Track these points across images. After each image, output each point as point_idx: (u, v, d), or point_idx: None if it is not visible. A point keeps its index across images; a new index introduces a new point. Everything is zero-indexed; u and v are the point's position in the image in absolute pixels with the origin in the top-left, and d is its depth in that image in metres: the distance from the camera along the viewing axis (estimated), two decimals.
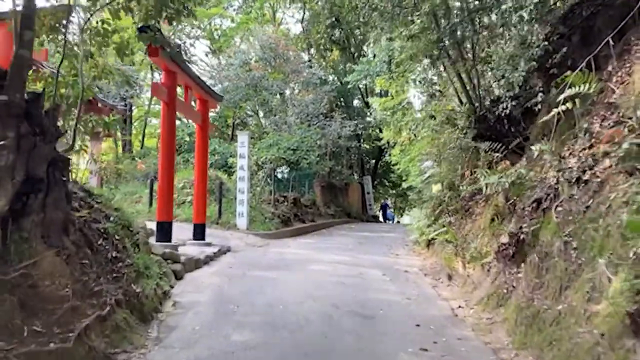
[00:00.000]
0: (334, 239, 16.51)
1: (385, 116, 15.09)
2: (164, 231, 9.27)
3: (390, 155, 35.60)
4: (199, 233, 11.67)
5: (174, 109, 9.57)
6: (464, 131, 9.93)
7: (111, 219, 6.20)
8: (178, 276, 8.33)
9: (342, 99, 29.79)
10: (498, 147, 8.46)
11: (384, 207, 33.00)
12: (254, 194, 17.54)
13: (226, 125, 26.20)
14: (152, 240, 9.64)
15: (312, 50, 31.87)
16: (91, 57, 7.26)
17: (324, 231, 19.70)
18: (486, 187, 7.47)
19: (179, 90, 10.64)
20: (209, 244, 11.62)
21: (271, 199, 18.40)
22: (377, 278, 9.11)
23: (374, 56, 14.69)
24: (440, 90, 11.41)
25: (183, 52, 28.46)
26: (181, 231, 12.57)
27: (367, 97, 34.04)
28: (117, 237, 6.06)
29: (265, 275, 8.92)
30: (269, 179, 18.59)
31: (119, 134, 27.91)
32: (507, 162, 8.79)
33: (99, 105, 11.50)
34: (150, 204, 15.75)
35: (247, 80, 19.93)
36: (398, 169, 18.47)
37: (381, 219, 36.01)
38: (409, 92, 12.90)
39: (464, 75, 10.00)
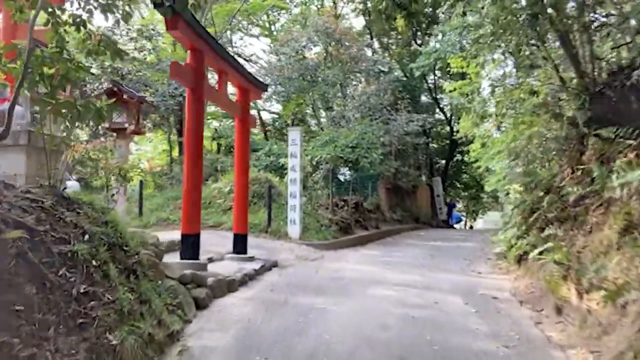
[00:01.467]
0: (401, 250, 14.48)
1: (462, 103, 12.92)
2: (189, 246, 7.67)
3: (463, 153, 33.25)
4: (239, 245, 10.04)
5: (200, 97, 7.95)
6: (571, 115, 7.71)
7: (87, 237, 4.55)
8: (201, 305, 6.67)
9: (407, 94, 27.65)
10: (628, 133, 6.24)
11: (449, 207, 30.12)
12: (309, 197, 15.81)
13: (286, 126, 24.70)
14: (175, 257, 8.08)
15: (375, 45, 29.88)
16: (83, 26, 5.77)
17: (389, 239, 17.68)
18: (621, 189, 5.31)
19: (210, 76, 9.02)
20: (250, 259, 9.95)
21: (329, 203, 16.62)
22: (458, 309, 7.08)
23: (443, 35, 12.75)
24: (536, 65, 9.18)
25: (234, 49, 27.29)
26: (224, 242, 11.00)
27: (435, 93, 31.73)
28: (94, 264, 4.41)
29: (312, 303, 7.11)
30: (326, 181, 16.82)
31: (173, 136, 27.15)
32: (634, 154, 6.54)
33: (125, 96, 10.11)
34: None
35: (301, 71, 18.23)
36: (477, 167, 16.14)
37: (448, 220, 32.99)
38: (494, 69, 10.76)
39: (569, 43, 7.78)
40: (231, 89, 11.05)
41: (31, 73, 5.31)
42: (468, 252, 14.25)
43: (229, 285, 7.74)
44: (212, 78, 12.71)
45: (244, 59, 26.39)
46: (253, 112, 30.53)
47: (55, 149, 5.79)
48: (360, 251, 13.83)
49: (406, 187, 24.46)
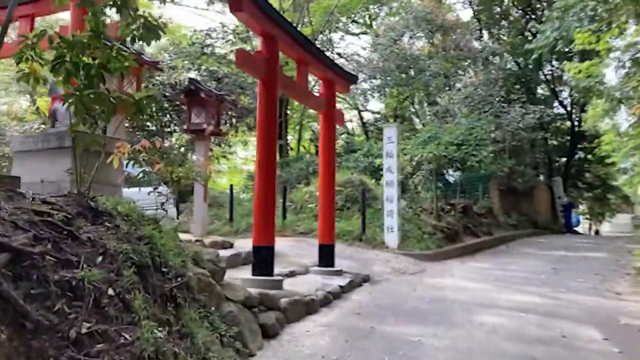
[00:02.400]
0: (516, 261, 12.67)
1: (591, 85, 10.93)
2: (260, 260, 6.72)
3: (586, 150, 29.91)
4: (325, 257, 8.99)
5: (273, 89, 6.99)
6: None
7: (100, 258, 3.67)
8: (270, 332, 5.65)
9: (521, 87, 25.18)
10: None
11: (568, 208, 26.56)
12: (409, 201, 14.44)
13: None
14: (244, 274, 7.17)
15: (485, 36, 27.62)
16: (123, 6, 5.01)
17: (503, 248, 15.80)
18: None
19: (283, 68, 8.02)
20: (338, 273, 8.85)
21: (433, 207, 15.13)
22: (595, 348, 5.48)
23: (564, 12, 10.81)
24: None
25: (335, 50, 26.37)
26: (313, 252, 10.01)
27: (553, 85, 28.84)
28: (109, 293, 3.51)
29: (404, 333, 5.85)
30: (428, 183, 15.35)
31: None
32: None
33: (203, 95, 9.43)
34: (284, 216, 13.53)
35: (400, 62, 16.83)
36: (609, 163, 13.86)
37: (567, 222, 29.33)
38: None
39: None
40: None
41: (65, 63, 4.58)
42: (599, 264, 12.16)
43: (308, 307, 6.68)
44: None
45: (345, 59, 25.43)
46: (351, 111, 29.81)
47: (97, 149, 5.03)
48: (468, 263, 12.24)
49: (522, 188, 22.13)
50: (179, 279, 4.49)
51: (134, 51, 7.65)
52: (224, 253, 8.08)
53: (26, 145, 5.96)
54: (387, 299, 7.71)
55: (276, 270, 8.19)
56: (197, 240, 8.54)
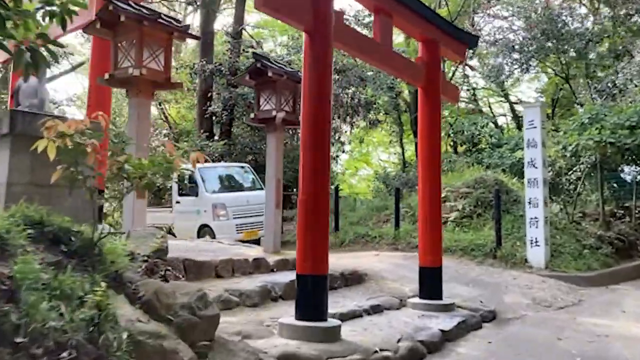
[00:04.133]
0: None
1: None
2: (306, 297, 4.62)
3: None
4: (428, 285, 6.57)
5: (325, 44, 4.85)
6: None
7: None
8: None
9: None
10: None
11: None
12: (567, 204, 11.27)
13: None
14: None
15: None
16: None
17: None
18: None
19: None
20: (446, 307, 6.39)
21: (598, 213, 11.78)
22: None
23: None
24: None
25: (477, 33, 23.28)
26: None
27: None
28: None
29: None
30: (591, 181, 11.99)
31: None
32: None
33: (271, 74, 7.56)
34: (397, 224, 11.22)
35: (544, 25, 13.45)
36: None
37: None
38: None
39: None
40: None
41: None
42: None
43: None
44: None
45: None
46: (495, 98, 26.17)
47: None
48: None
49: None
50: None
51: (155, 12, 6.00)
52: (279, 279, 6.10)
53: None
54: (513, 357, 5.13)
55: (354, 303, 6.10)
56: (255, 260, 6.68)
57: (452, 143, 22.74)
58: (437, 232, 6.72)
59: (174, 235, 13.12)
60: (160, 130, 22.37)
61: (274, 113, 7.64)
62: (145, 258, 3.95)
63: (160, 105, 23.90)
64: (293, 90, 8.01)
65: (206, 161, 14.92)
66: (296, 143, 17.68)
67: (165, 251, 4.22)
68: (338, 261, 8.78)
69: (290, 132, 17.53)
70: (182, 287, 3.60)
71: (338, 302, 6.07)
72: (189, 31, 6.77)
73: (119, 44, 5.98)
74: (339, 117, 17.15)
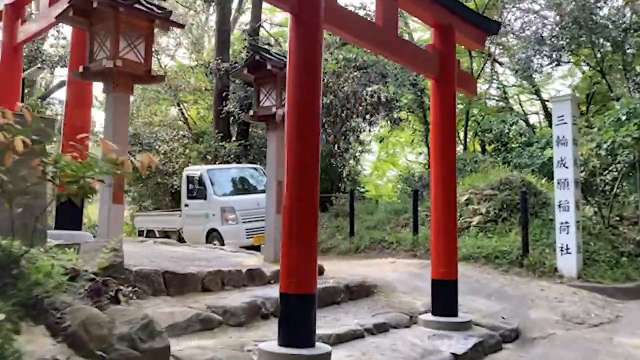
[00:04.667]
0: None
1: None
2: (288, 317, 4.00)
3: None
4: (442, 300, 5.86)
5: (314, 27, 4.23)
6: None
7: None
8: None
9: None
10: None
11: None
12: (602, 207, 10.39)
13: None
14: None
15: None
16: None
17: None
18: None
19: None
20: (461, 326, 5.68)
21: (638, 216, 10.85)
22: None
23: None
24: None
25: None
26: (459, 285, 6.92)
27: None
28: None
29: None
30: (630, 181, 11.07)
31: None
32: None
33: (270, 67, 6.96)
34: (415, 229, 10.50)
35: (576, 12, 12.42)
36: None
37: None
38: None
39: None
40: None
41: None
42: None
43: None
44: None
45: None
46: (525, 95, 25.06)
47: None
48: None
49: None
50: None
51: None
52: (272, 293, 5.47)
53: None
54: None
55: (355, 321, 5.44)
56: (250, 271, 6.09)
57: (480, 142, 21.89)
58: (451, 240, 6.00)
59: (183, 240, 12.67)
60: (178, 132, 22.06)
61: (274, 109, 7.05)
62: (92, 276, 3.39)
63: (179, 105, 23.61)
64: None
65: (220, 163, 14.40)
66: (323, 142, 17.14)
67: (118, 267, 3.64)
68: (348, 270, 8.16)
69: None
70: (124, 314, 3.02)
71: (338, 320, 5.43)
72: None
73: (95, 34, 5.48)
74: (357, 116, 16.48)
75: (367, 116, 16.57)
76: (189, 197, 12.37)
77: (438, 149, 6.04)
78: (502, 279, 8.27)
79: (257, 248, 11.63)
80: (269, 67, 7.00)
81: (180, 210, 12.92)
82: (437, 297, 5.91)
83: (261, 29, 21.20)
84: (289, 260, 4.11)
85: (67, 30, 21.56)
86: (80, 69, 5.44)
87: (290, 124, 4.21)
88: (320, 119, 4.29)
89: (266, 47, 19.13)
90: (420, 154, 26.23)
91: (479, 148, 22.57)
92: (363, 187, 22.38)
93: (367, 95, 16.82)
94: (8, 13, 7.57)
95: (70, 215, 5.95)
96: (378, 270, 8.46)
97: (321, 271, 7.24)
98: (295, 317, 4.05)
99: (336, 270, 7.78)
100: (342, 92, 16.59)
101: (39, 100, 20.52)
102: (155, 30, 5.74)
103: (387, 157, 33.51)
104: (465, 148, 23.24)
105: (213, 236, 11.47)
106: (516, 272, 8.66)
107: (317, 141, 4.24)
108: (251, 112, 7.51)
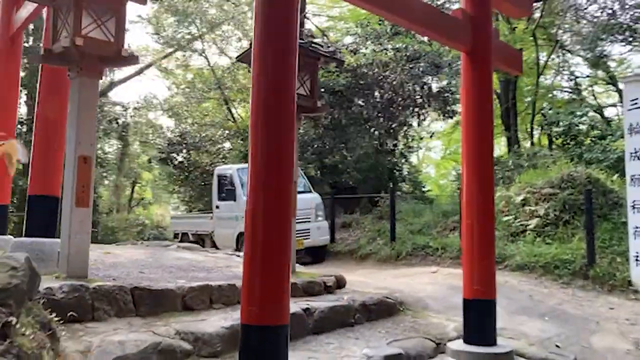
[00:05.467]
0: None
1: None
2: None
3: None
4: (476, 325, 4.77)
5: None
6: None
7: None
8: None
9: None
10: None
11: None
12: None
13: None
14: None
15: None
16: None
17: None
18: None
19: None
20: (499, 358, 4.58)
21: None
22: None
23: None
24: None
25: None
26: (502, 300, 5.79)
27: None
28: None
29: None
30: None
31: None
32: None
33: None
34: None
35: None
36: None
37: None
38: None
39: None
40: None
41: None
42: None
43: None
44: None
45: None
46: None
47: None
48: None
49: None
50: None
51: None
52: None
53: None
54: None
55: (364, 350, 4.42)
56: None
57: (547, 136, 20.16)
58: (488, 251, 4.88)
59: (215, 245, 12.02)
60: (229, 131, 21.67)
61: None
62: None
63: (226, 103, 23.15)
64: (310, 69, 6.49)
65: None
66: (361, 139, 16.12)
67: (14, 290, 2.83)
68: (377, 282, 7.19)
69: (356, 126, 16.00)
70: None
71: (343, 349, 4.47)
72: None
73: (58, 10, 4.77)
74: (407, 109, 15.37)
75: (417, 110, 15.42)
76: (219, 199, 11.69)
77: (471, 140, 4.93)
78: (561, 294, 7.03)
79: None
80: None
81: (212, 212, 12.27)
82: (470, 321, 4.82)
83: (307, 20, 20.38)
84: (251, 282, 3.19)
85: None
86: (42, 51, 4.75)
87: (255, 114, 3.31)
88: (294, 106, 3.35)
89: (310, 38, 18.39)
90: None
91: (546, 142, 20.88)
92: (424, 187, 21.17)
93: (417, 86, 15.70)
94: (4, 1, 7.07)
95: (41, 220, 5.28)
96: (413, 281, 7.44)
97: (341, 284, 6.32)
98: (259, 356, 3.12)
99: (361, 282, 6.84)
100: (390, 84, 15.55)
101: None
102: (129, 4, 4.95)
103: (450, 155, 32.01)
104: (532, 143, 21.62)
105: (243, 240, 10.69)
106: (579, 285, 7.38)
107: (292, 134, 3.31)
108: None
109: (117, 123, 23.61)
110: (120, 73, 23.97)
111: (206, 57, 23.26)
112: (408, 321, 5.46)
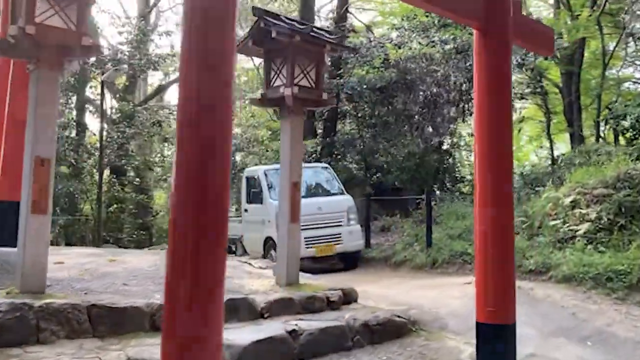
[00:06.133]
0: None
1: None
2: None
3: None
4: (488, 352, 4.00)
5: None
6: None
7: None
8: None
9: None
10: None
11: None
12: None
13: None
14: None
15: None
16: None
17: None
18: None
19: None
20: None
21: None
22: None
23: None
24: None
25: None
26: (524, 319, 5.01)
27: None
28: None
29: None
30: None
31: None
32: None
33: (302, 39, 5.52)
34: None
35: None
36: None
37: None
38: None
39: None
40: None
41: None
42: None
43: None
44: None
45: None
46: None
47: None
48: None
49: None
50: None
51: None
52: (244, 336, 3.97)
53: None
54: None
55: None
56: (233, 300, 4.68)
57: (612, 131, 18.60)
58: (505, 264, 4.13)
59: (245, 249, 11.58)
60: (267, 132, 21.43)
61: (282, 90, 5.58)
62: None
63: None
64: (315, 58, 5.88)
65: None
66: (405, 137, 15.34)
67: None
68: (397, 294, 6.50)
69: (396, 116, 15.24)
70: None
71: None
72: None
73: None
74: (451, 104, 14.46)
75: (464, 105, 14.51)
76: (248, 201, 11.23)
77: (485, 134, 4.17)
78: (612, 312, 6.08)
79: (322, 259, 10.22)
80: (274, 35, 5.53)
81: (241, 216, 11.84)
82: (482, 349, 4.07)
83: (350, 15, 19.75)
84: (172, 297, 2.60)
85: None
86: None
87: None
88: (231, 89, 2.75)
89: (352, 32, 17.74)
90: (541, 147, 23.29)
91: (611, 138, 19.37)
92: (470, 187, 20.11)
93: (466, 80, 14.77)
94: None
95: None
96: (441, 294, 6.68)
97: (349, 298, 5.66)
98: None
99: (378, 296, 6.18)
100: (435, 78, 14.70)
101: (135, 107, 20.70)
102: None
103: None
104: (597, 139, 20.07)
105: (269, 245, 10.17)
106: (636, 301, 6.39)
107: (228, 125, 2.70)
108: (259, 95, 6.10)
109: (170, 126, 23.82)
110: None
111: (251, 57, 23.05)
112: (418, 344, 4.75)
